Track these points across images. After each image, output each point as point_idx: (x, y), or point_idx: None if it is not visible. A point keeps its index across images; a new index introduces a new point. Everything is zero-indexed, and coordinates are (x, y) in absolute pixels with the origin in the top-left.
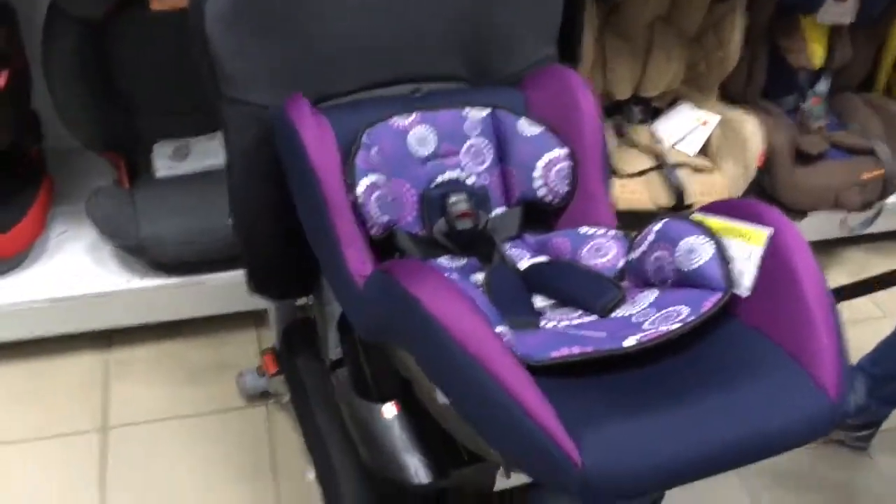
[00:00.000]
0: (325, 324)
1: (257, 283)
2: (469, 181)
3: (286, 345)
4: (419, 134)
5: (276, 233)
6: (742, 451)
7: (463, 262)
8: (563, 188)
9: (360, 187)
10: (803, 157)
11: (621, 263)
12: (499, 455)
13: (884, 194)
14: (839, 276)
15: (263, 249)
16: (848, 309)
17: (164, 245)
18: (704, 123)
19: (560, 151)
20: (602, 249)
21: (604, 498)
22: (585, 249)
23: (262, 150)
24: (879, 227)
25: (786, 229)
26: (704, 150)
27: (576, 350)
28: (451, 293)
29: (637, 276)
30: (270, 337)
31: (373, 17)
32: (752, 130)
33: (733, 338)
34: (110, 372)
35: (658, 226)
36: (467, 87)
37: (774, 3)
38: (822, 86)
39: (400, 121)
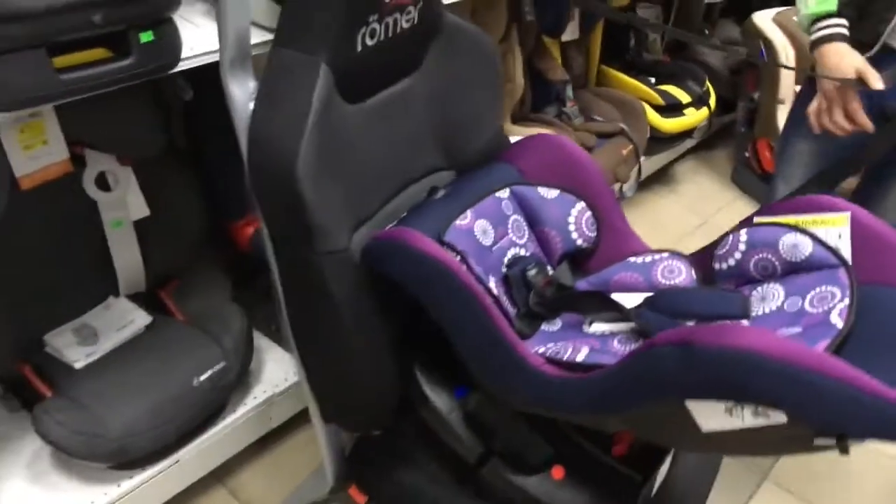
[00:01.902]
0: (452, 429)
1: (358, 421)
2: (523, 253)
3: (368, 466)
4: (480, 227)
5: (385, 365)
6: None
7: (558, 323)
8: (593, 233)
9: (493, 288)
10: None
11: (694, 276)
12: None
13: (637, 161)
14: None
15: (374, 382)
16: None
17: (142, 435)
18: None
19: (581, 203)
20: (674, 270)
21: None
22: (658, 274)
23: (361, 289)
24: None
25: (855, 209)
26: None
27: (823, 344)
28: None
29: (734, 277)
30: (245, 488)
31: (385, 137)
32: None
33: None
34: None
35: (743, 236)
36: (453, 174)
37: (536, 34)
38: (569, 91)
39: (461, 222)
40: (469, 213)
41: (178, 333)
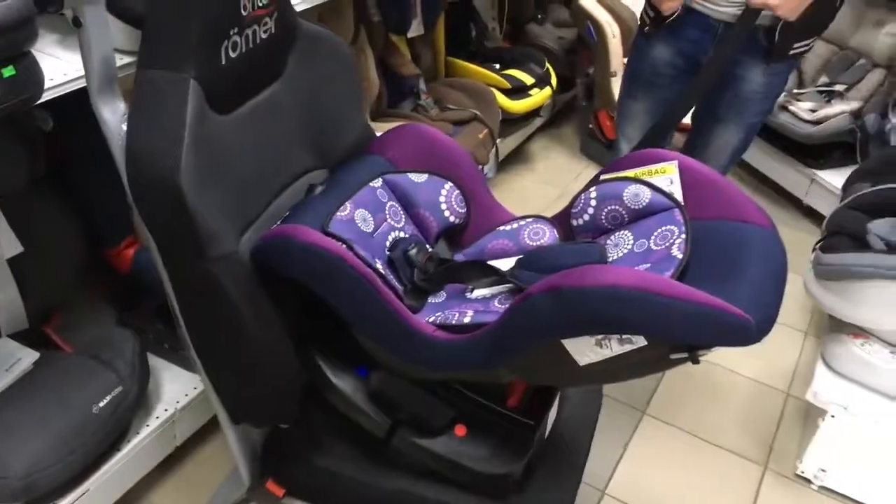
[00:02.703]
0: (359, 407)
1: (267, 416)
2: (403, 235)
3: (282, 459)
4: (360, 216)
5: (287, 358)
6: (784, 274)
7: (443, 295)
8: (464, 209)
9: (381, 270)
10: None
11: (556, 235)
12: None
13: (493, 143)
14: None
15: (279, 376)
16: None
17: (49, 469)
18: None
19: (449, 184)
20: (539, 232)
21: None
22: (526, 237)
23: (255, 287)
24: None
25: (681, 157)
26: None
27: (668, 274)
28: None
29: (590, 231)
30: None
31: (259, 143)
32: None
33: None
34: None
35: (593, 193)
36: (326, 171)
37: (384, 34)
38: (422, 84)
39: (342, 213)
40: (348, 204)
41: (68, 365)
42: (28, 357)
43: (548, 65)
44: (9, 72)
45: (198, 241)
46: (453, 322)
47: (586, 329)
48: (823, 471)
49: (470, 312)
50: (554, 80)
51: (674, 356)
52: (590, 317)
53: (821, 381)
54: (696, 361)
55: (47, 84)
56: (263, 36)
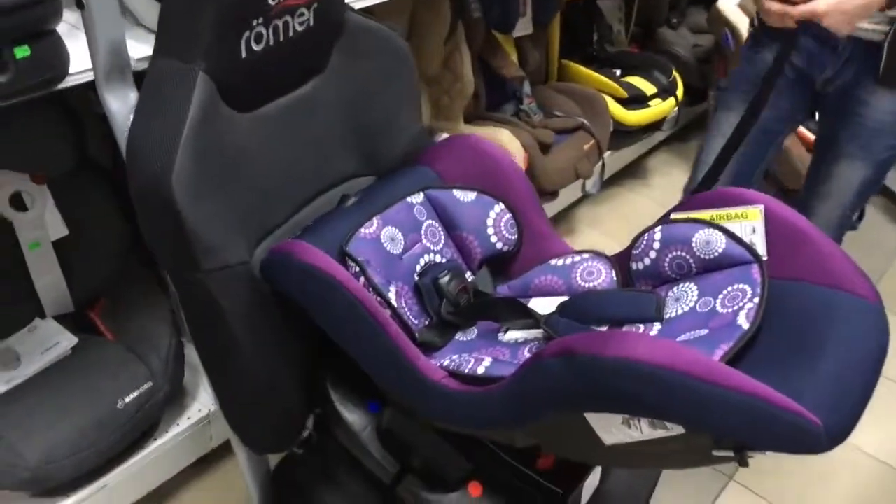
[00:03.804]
0: (365, 448)
1: (263, 442)
2: (438, 259)
3: (291, 489)
4: (388, 235)
5: (288, 384)
6: (879, 362)
7: (474, 332)
8: (514, 236)
9: (393, 301)
10: (542, 148)
11: (614, 277)
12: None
13: (600, 156)
14: (591, 229)
15: (277, 403)
16: None
17: (61, 462)
18: None
19: (500, 206)
20: (594, 272)
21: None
22: (578, 277)
23: (260, 305)
24: None
25: (769, 202)
26: None
27: (724, 347)
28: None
29: (651, 278)
30: None
31: (290, 144)
32: (508, 139)
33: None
34: None
35: (657, 234)
36: (372, 180)
37: (484, 31)
38: (527, 87)
39: (366, 230)
40: (376, 220)
41: (104, 354)
42: (66, 341)
43: (675, 73)
44: (22, 52)
45: (191, 252)
46: (465, 371)
47: (606, 406)
48: None
49: (487, 361)
50: (680, 91)
51: (717, 453)
52: (608, 393)
53: None
54: (743, 464)
55: (80, 67)
56: (299, 28)
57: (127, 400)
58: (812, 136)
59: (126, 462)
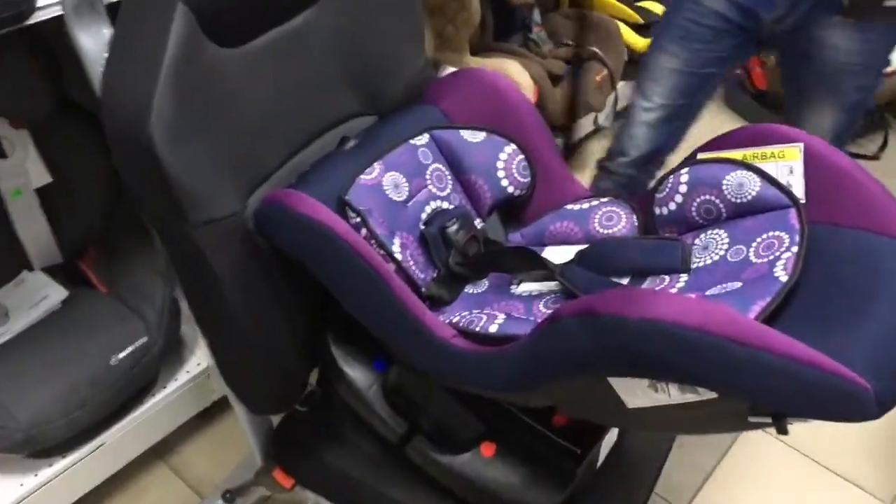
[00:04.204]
0: (371, 407)
1: (261, 403)
2: (446, 206)
3: (293, 449)
4: (390, 181)
5: (287, 337)
6: None
7: (485, 284)
8: (527, 178)
9: (398, 254)
10: (553, 79)
11: (636, 223)
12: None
13: (612, 87)
14: None
15: (274, 363)
16: None
17: (54, 423)
18: None
19: (511, 147)
20: (613, 218)
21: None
22: (596, 223)
23: (254, 260)
24: None
25: (809, 139)
26: None
27: (761, 303)
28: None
29: (676, 224)
30: (189, 465)
31: (282, 82)
32: (517, 71)
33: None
34: None
35: (684, 176)
36: (374, 119)
37: None
38: (536, 15)
39: (367, 177)
40: (377, 165)
41: (96, 308)
42: (56, 294)
43: None
44: None
45: (176, 203)
46: (477, 329)
47: (631, 371)
48: None
49: (501, 318)
50: None
51: (754, 419)
52: (633, 358)
53: None
54: (782, 431)
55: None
56: None
57: (121, 356)
58: None
59: (123, 419)
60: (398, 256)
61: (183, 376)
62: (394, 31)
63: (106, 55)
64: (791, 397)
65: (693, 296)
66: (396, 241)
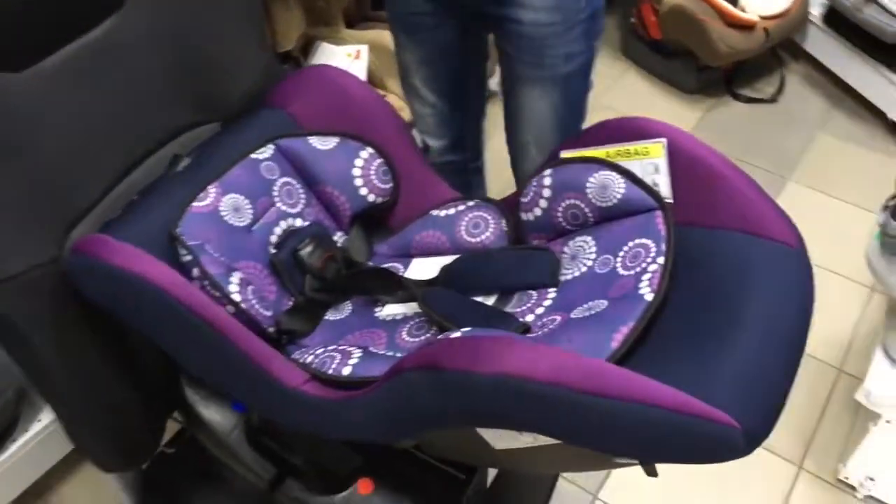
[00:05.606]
0: (234, 452)
1: (109, 462)
2: (299, 223)
3: (157, 494)
4: (229, 204)
5: (128, 390)
6: (802, 333)
7: (348, 309)
8: (388, 184)
9: (235, 294)
10: None
11: (504, 227)
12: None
13: None
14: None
15: (117, 419)
16: None
17: None
18: (357, 55)
19: (367, 151)
20: (480, 225)
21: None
22: (463, 230)
23: (78, 312)
24: None
25: (673, 133)
26: (371, 82)
27: (625, 330)
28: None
29: (544, 230)
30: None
31: (90, 100)
32: None
33: (700, 243)
34: None
35: (547, 179)
36: (217, 127)
37: None
38: None
39: (200, 204)
40: (211, 189)
41: None
42: None
43: None
44: None
45: None
46: (329, 372)
47: (485, 424)
48: (872, 479)
49: (356, 356)
50: None
51: (620, 460)
52: (485, 414)
53: (877, 378)
54: (652, 474)
55: None
56: None
57: None
58: (731, 7)
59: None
60: (236, 297)
61: (46, 417)
62: (225, 27)
63: None
64: (655, 447)
65: (558, 318)
66: (235, 278)
